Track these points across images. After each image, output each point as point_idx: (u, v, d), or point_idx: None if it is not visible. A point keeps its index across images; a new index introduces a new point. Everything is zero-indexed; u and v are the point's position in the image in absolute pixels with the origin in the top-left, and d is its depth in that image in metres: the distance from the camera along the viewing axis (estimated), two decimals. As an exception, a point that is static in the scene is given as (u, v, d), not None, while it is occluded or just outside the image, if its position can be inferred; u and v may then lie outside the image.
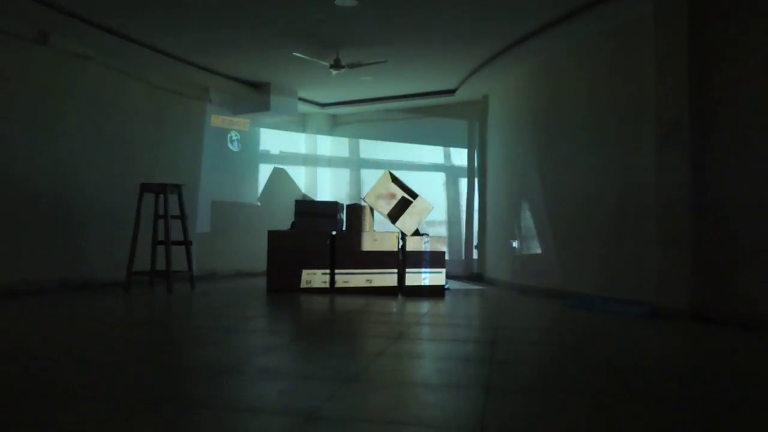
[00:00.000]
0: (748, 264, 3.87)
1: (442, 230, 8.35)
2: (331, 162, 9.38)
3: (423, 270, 5.64)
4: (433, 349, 3.05)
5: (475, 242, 8.04)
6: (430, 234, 6.03)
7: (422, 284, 5.63)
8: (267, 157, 8.81)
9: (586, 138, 5.40)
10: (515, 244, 6.64)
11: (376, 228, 6.16)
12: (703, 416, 1.89)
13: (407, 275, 5.63)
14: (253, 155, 8.53)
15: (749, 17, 3.97)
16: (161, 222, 5.65)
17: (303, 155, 9.29)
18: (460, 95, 7.80)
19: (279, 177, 8.90)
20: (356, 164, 9.28)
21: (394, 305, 4.86)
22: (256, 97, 7.71)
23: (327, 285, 5.66)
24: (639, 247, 4.63)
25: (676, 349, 3.31)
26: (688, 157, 4.12)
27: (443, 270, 5.68)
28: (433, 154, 8.68)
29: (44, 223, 5.51)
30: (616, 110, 5.04)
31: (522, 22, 5.26)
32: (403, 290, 5.64)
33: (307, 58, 6.03)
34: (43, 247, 5.48)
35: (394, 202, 5.91)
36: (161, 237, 5.66)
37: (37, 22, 5.31)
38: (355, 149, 9.32)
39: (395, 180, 6.01)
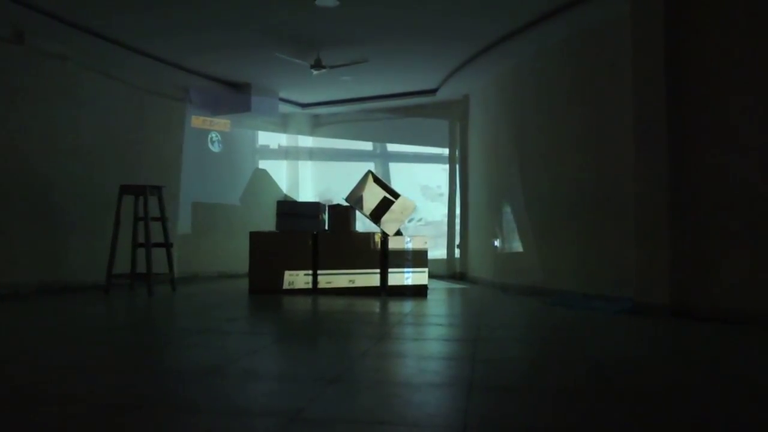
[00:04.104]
0: (726, 259, 3.94)
1: (429, 230, 8.37)
2: (313, 162, 9.36)
3: (405, 270, 5.65)
4: (416, 349, 3.06)
5: (457, 241, 8.07)
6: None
7: (405, 284, 5.64)
8: (248, 158, 8.76)
9: (565, 136, 5.45)
10: (497, 242, 6.68)
11: (358, 228, 6.17)
12: (684, 411, 1.92)
13: (390, 275, 5.64)
14: (234, 156, 8.48)
15: (725, 12, 4.04)
16: (141, 224, 5.60)
17: (284, 156, 9.25)
18: (441, 95, 7.83)
19: (260, 178, 8.86)
20: (338, 165, 9.26)
21: (377, 305, 4.87)
22: (236, 97, 7.67)
23: (310, 286, 5.65)
24: (618, 244, 4.69)
25: (657, 344, 3.36)
26: (665, 153, 4.17)
27: (426, 269, 5.70)
28: (414, 153, 8.70)
29: (21, 226, 5.43)
30: (594, 108, 5.10)
31: (502, 21, 5.30)
32: (386, 290, 5.64)
33: (287, 58, 6.01)
34: (20, 250, 5.39)
35: (375, 202, 5.91)
36: (141, 239, 5.60)
37: (12, 21, 5.23)
38: (336, 150, 9.31)
39: (377, 180, 6.01)
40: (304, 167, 9.31)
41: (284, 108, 8.47)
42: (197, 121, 7.75)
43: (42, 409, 1.85)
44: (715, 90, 4.04)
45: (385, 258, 5.67)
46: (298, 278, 5.65)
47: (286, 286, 5.62)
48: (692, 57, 4.15)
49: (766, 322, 3.65)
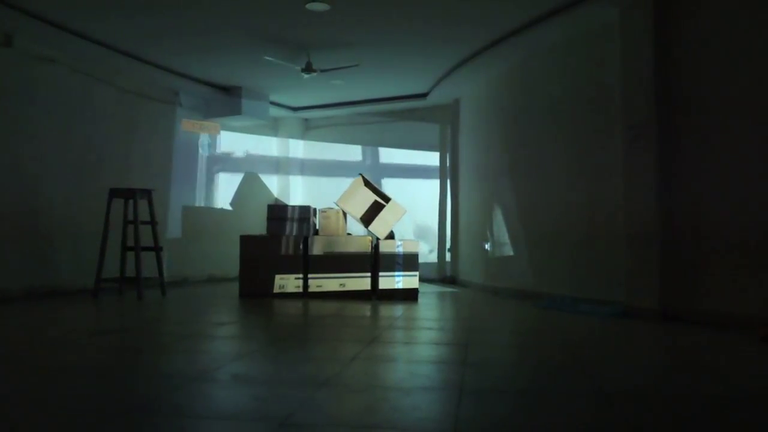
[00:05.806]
0: (714, 263, 3.97)
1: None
2: (304, 166, 9.34)
3: (396, 273, 5.64)
4: (406, 353, 3.06)
5: (447, 245, 8.08)
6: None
7: (395, 287, 5.63)
8: (239, 162, 8.74)
9: (555, 141, 5.47)
10: (488, 246, 6.69)
11: (349, 232, 6.16)
12: (673, 414, 1.93)
13: (380, 279, 5.63)
14: (224, 160, 8.46)
15: (714, 20, 4.08)
16: (131, 228, 5.56)
17: (275, 159, 9.24)
18: (432, 99, 7.84)
19: (251, 181, 8.84)
20: (329, 168, 9.26)
21: (367, 309, 4.86)
22: (227, 100, 7.65)
23: (300, 290, 5.63)
24: (608, 248, 4.71)
25: (646, 347, 3.37)
26: (654, 158, 4.21)
27: (416, 273, 5.70)
28: (405, 157, 8.71)
29: (9, 229, 5.38)
30: (584, 113, 5.12)
31: (492, 27, 5.32)
32: (376, 294, 5.63)
33: (278, 61, 6.01)
34: (7, 253, 5.34)
35: (366, 206, 5.90)
36: (131, 243, 5.57)
37: (1, 24, 5.19)
38: (327, 153, 9.30)
39: (368, 184, 6.01)
40: (296, 169, 9.30)
41: (275, 111, 8.46)
42: (187, 124, 7.72)
43: (28, 415, 1.83)
44: (706, 96, 4.07)
45: (376, 262, 5.67)
46: (288, 282, 5.63)
47: (276, 289, 5.60)
48: (682, 63, 4.19)
49: (752, 324, 3.67)
